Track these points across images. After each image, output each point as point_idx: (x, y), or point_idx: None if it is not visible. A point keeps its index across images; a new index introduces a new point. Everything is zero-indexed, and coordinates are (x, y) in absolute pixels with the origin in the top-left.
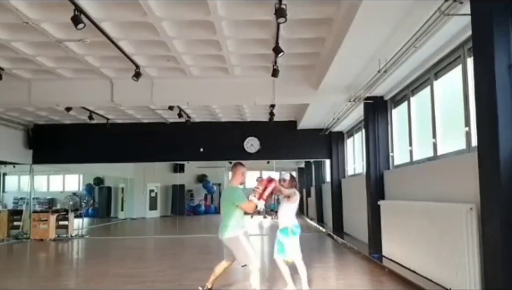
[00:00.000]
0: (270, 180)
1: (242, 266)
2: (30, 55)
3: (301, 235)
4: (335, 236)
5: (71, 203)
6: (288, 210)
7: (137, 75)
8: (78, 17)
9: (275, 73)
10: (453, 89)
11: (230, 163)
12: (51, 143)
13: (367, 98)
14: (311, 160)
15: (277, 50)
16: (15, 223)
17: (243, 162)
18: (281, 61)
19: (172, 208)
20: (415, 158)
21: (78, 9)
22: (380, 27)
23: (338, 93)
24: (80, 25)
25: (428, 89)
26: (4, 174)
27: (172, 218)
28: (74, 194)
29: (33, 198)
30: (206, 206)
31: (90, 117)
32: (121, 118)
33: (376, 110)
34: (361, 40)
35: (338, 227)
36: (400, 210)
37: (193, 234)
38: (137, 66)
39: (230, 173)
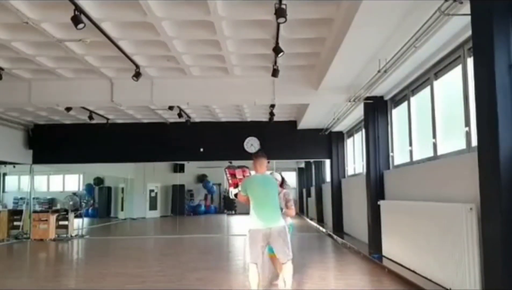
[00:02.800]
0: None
1: (287, 260)
2: (30, 55)
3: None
4: (335, 236)
5: (71, 203)
6: None
7: (137, 75)
8: (78, 17)
9: (275, 73)
10: (453, 89)
11: (230, 163)
12: (51, 143)
13: (367, 98)
14: (311, 160)
15: (277, 50)
16: (15, 223)
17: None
18: (281, 61)
19: (172, 208)
20: (415, 158)
21: (78, 9)
22: (380, 27)
23: (338, 93)
24: (80, 25)
25: (428, 89)
26: (4, 174)
27: (172, 218)
28: (74, 194)
29: (33, 198)
30: (206, 206)
31: (90, 117)
32: (121, 118)
33: (376, 110)
34: (361, 40)
35: (338, 227)
36: (400, 210)
37: (193, 234)
38: (137, 66)
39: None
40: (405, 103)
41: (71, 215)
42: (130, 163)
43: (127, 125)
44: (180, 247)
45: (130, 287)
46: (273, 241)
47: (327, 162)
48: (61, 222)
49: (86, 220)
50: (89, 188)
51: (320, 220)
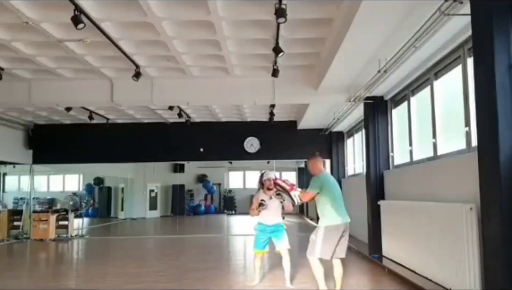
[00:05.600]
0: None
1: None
2: (30, 55)
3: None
4: None
5: (71, 203)
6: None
7: (137, 75)
8: (78, 17)
9: (275, 73)
10: (453, 89)
11: (230, 163)
12: (51, 143)
13: (367, 98)
14: None
15: (277, 50)
16: (15, 223)
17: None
18: (281, 61)
19: (172, 208)
20: (415, 158)
21: (78, 9)
22: (380, 27)
23: (338, 93)
24: (80, 25)
25: (428, 89)
26: (4, 174)
27: (172, 218)
28: (74, 194)
29: (33, 198)
30: (206, 206)
31: (90, 117)
32: (121, 118)
33: (376, 110)
34: (361, 40)
35: None
36: (400, 210)
37: (193, 234)
38: (137, 66)
39: (230, 173)
40: (405, 103)
41: (71, 215)
42: (130, 163)
43: (127, 125)
44: (180, 247)
45: (130, 287)
46: (344, 235)
47: (327, 162)
48: (61, 222)
49: (86, 220)
50: (89, 188)
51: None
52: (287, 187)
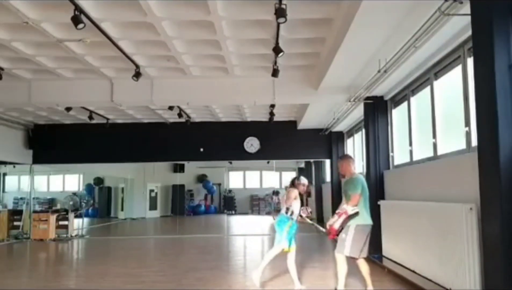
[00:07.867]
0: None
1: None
2: (30, 55)
3: (296, 232)
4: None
5: (71, 203)
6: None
7: (137, 75)
8: (78, 17)
9: (275, 73)
10: (453, 89)
11: (230, 163)
12: (51, 143)
13: (367, 98)
14: (311, 160)
15: (277, 50)
16: (15, 223)
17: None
18: (281, 61)
19: (172, 208)
20: (415, 158)
21: (78, 9)
22: (380, 27)
23: (338, 93)
24: (80, 25)
25: (428, 89)
26: (4, 174)
27: (172, 218)
28: (74, 194)
29: (33, 198)
30: (206, 206)
31: (90, 117)
32: (121, 118)
33: (376, 110)
34: (361, 40)
35: None
36: (400, 210)
37: (193, 234)
38: (137, 66)
39: (230, 173)
40: (405, 103)
41: (71, 215)
42: (130, 163)
43: (127, 125)
44: (180, 247)
45: (130, 287)
46: (369, 235)
47: (327, 162)
48: (61, 222)
49: (86, 220)
50: (89, 188)
51: (320, 220)
52: (345, 217)
